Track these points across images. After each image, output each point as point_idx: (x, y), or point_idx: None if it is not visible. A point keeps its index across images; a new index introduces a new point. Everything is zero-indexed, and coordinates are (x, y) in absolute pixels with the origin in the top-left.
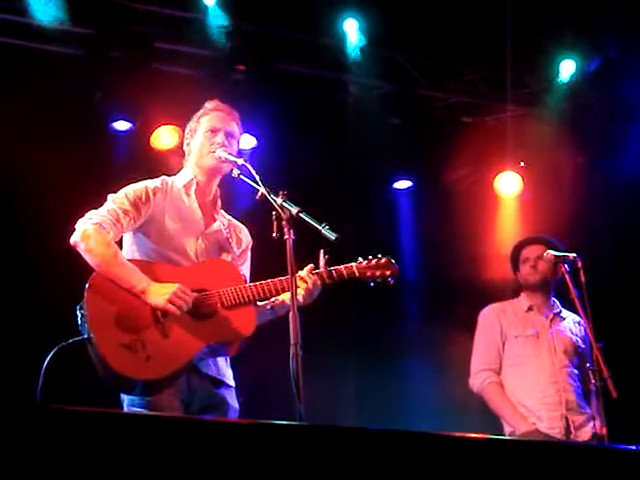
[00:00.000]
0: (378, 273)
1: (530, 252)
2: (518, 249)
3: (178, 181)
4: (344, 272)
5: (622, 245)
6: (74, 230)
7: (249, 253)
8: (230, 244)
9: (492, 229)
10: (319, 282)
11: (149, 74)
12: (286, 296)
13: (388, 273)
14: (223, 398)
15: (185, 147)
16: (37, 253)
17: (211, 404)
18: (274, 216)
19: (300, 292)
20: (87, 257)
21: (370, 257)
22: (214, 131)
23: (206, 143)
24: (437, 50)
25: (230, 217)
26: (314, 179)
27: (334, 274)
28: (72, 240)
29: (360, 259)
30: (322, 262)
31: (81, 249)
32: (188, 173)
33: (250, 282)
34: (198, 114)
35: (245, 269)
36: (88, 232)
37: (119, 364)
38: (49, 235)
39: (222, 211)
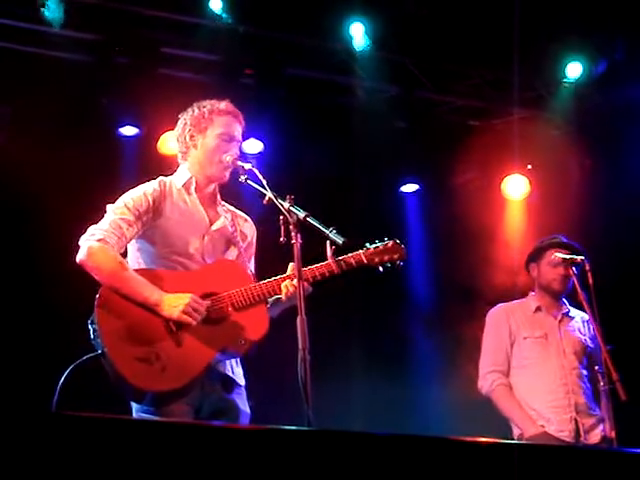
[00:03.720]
0: (386, 258)
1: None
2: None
3: (176, 181)
4: (352, 261)
5: (630, 248)
6: (78, 248)
7: (254, 243)
8: (236, 238)
9: (499, 232)
10: (291, 287)
11: (156, 79)
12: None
13: (396, 256)
14: (234, 403)
15: (188, 139)
16: (46, 259)
17: (221, 409)
18: (281, 220)
19: (282, 294)
20: (95, 274)
21: (377, 242)
22: (229, 140)
23: (218, 150)
24: (444, 53)
25: (232, 208)
26: (321, 183)
27: (343, 264)
28: (78, 259)
29: (367, 245)
30: (329, 253)
31: (88, 267)
32: (185, 172)
33: (256, 274)
34: (208, 109)
35: (252, 261)
36: (93, 249)
37: (135, 377)
38: (57, 242)
39: (223, 202)
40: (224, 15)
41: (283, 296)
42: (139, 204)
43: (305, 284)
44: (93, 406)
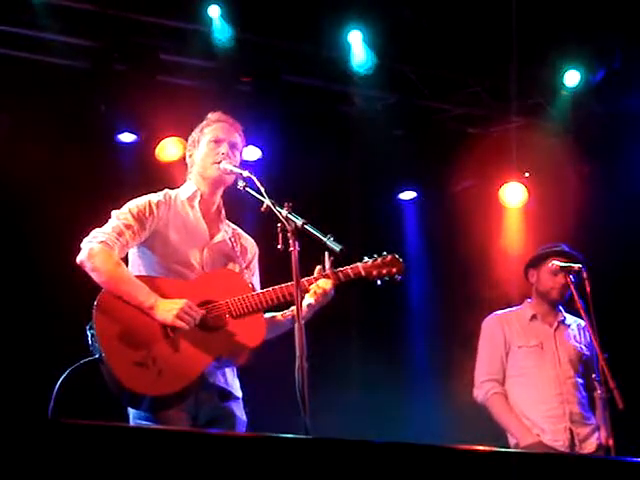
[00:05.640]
0: (384, 271)
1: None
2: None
3: (182, 193)
4: (350, 272)
5: (627, 255)
6: (80, 250)
7: (256, 262)
8: (236, 254)
9: (497, 239)
10: (330, 283)
11: (154, 86)
12: (305, 302)
13: (394, 270)
14: (230, 410)
15: (188, 159)
16: (45, 267)
17: (218, 416)
18: (279, 228)
19: (311, 297)
20: (94, 276)
21: (375, 255)
22: (218, 142)
23: (210, 154)
24: (442, 61)
25: (235, 226)
26: (319, 191)
27: (340, 275)
28: (78, 260)
29: (366, 258)
30: (328, 264)
31: (88, 268)
32: (191, 185)
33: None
34: (201, 125)
35: (255, 279)
36: (94, 251)
37: (132, 382)
38: (56, 248)
39: (227, 221)
40: (223, 22)
41: (313, 300)
42: (143, 211)
43: (328, 291)
44: (90, 411)
